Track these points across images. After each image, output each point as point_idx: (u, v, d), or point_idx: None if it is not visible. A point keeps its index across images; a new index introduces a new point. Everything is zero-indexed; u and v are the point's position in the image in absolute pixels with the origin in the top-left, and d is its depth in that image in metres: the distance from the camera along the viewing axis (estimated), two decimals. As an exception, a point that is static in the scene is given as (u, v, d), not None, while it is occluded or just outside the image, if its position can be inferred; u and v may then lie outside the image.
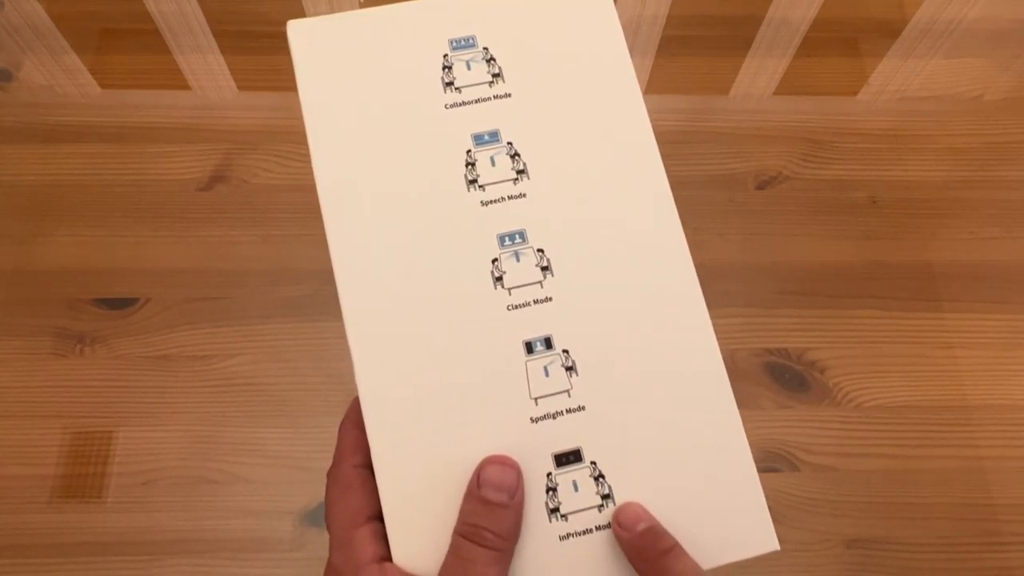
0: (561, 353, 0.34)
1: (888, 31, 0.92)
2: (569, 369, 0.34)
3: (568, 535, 0.32)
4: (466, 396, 0.33)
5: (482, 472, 0.31)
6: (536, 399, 0.33)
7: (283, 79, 0.84)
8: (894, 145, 0.85)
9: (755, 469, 0.33)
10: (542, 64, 0.38)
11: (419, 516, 0.32)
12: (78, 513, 0.68)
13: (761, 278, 0.78)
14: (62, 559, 0.67)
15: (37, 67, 0.87)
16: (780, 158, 0.84)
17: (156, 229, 0.79)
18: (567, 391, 0.33)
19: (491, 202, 0.35)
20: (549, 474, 0.33)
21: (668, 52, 0.90)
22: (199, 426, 0.71)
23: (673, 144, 0.83)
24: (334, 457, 0.34)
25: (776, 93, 0.88)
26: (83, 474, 0.69)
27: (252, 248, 0.78)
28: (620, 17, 0.39)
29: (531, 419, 0.33)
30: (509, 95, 0.37)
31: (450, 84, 0.37)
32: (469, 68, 0.37)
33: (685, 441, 0.33)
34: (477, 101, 0.37)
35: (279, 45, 0.82)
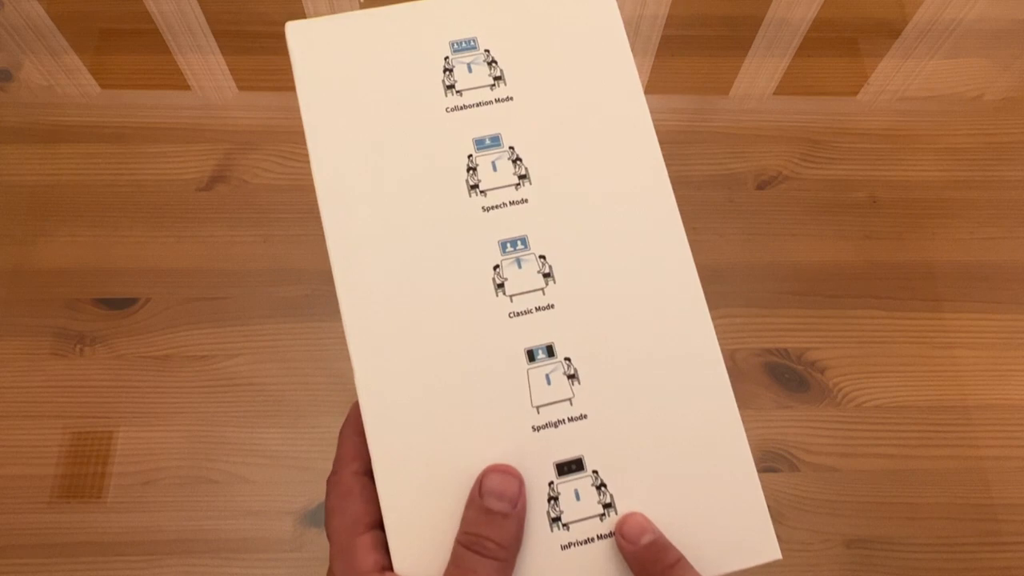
0: (563, 361, 0.34)
1: (888, 31, 0.92)
2: (571, 377, 0.33)
3: (570, 544, 0.32)
4: (467, 404, 0.33)
5: (484, 481, 0.31)
6: (538, 407, 0.33)
7: (283, 79, 0.84)
8: (894, 145, 0.85)
9: (758, 479, 0.33)
10: (544, 67, 0.37)
11: (420, 525, 0.32)
12: (78, 513, 0.68)
13: (761, 278, 0.78)
14: (62, 559, 0.67)
15: (37, 67, 0.87)
16: (780, 158, 0.84)
17: (156, 229, 0.79)
18: (569, 399, 0.33)
19: (492, 208, 0.35)
20: (551, 483, 0.32)
21: (668, 52, 0.90)
22: (199, 426, 0.71)
23: (673, 144, 0.83)
24: (334, 464, 0.34)
25: (776, 93, 0.88)
26: (83, 474, 0.69)
27: (252, 248, 0.78)
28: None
29: (533, 428, 0.33)
30: (511, 99, 0.37)
31: (451, 87, 0.37)
32: (470, 71, 0.37)
33: (687, 450, 0.33)
34: (478, 104, 0.37)
35: (279, 45, 0.82)
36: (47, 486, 0.69)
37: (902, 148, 0.85)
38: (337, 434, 0.35)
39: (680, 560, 0.31)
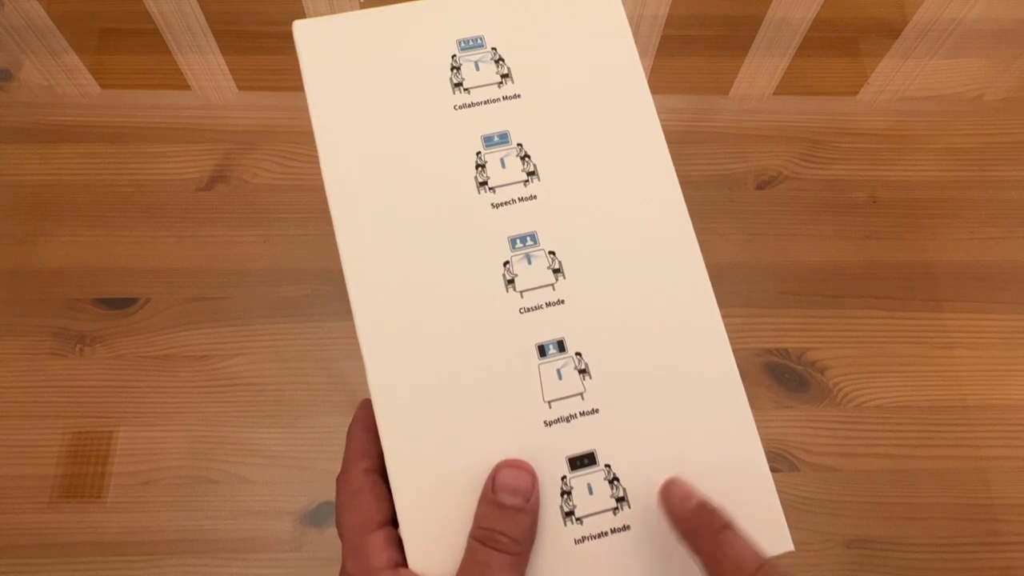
0: (574, 356, 0.34)
1: (888, 31, 0.92)
2: (582, 372, 0.34)
3: (583, 538, 0.32)
4: (479, 400, 0.33)
5: (497, 476, 0.31)
6: (549, 402, 0.33)
7: (283, 79, 0.84)
8: (894, 145, 0.85)
9: (769, 470, 0.33)
10: (551, 64, 0.38)
11: (434, 520, 0.32)
12: (78, 513, 0.68)
13: (761, 278, 0.78)
14: (62, 559, 0.66)
15: (37, 67, 0.87)
16: (780, 158, 0.84)
17: (156, 229, 0.79)
18: (580, 394, 0.33)
19: (502, 204, 0.35)
20: (563, 477, 0.33)
21: (668, 52, 0.90)
22: (199, 426, 0.71)
23: (673, 144, 0.82)
24: (343, 463, 0.34)
25: (776, 93, 0.88)
26: (83, 474, 0.69)
27: (252, 248, 0.78)
28: (621, 17, 0.39)
29: (545, 422, 0.33)
30: (518, 96, 0.37)
31: (459, 85, 0.37)
32: (478, 69, 0.37)
33: (699, 443, 0.33)
34: (486, 102, 0.37)
35: (279, 45, 0.82)
36: (47, 486, 0.69)
37: (902, 148, 0.85)
38: (339, 434, 0.35)
39: (731, 523, 0.31)
